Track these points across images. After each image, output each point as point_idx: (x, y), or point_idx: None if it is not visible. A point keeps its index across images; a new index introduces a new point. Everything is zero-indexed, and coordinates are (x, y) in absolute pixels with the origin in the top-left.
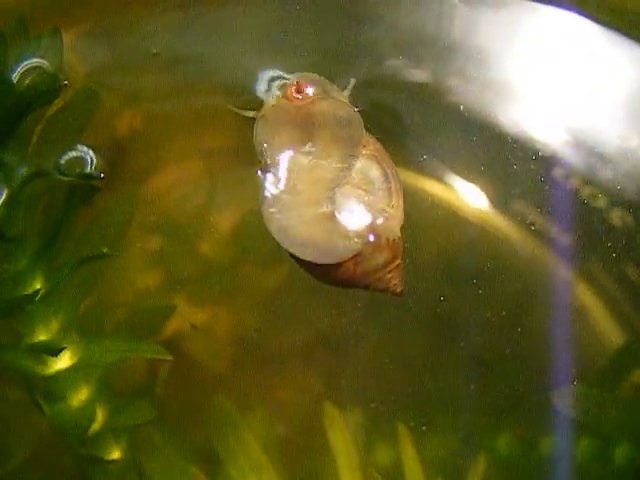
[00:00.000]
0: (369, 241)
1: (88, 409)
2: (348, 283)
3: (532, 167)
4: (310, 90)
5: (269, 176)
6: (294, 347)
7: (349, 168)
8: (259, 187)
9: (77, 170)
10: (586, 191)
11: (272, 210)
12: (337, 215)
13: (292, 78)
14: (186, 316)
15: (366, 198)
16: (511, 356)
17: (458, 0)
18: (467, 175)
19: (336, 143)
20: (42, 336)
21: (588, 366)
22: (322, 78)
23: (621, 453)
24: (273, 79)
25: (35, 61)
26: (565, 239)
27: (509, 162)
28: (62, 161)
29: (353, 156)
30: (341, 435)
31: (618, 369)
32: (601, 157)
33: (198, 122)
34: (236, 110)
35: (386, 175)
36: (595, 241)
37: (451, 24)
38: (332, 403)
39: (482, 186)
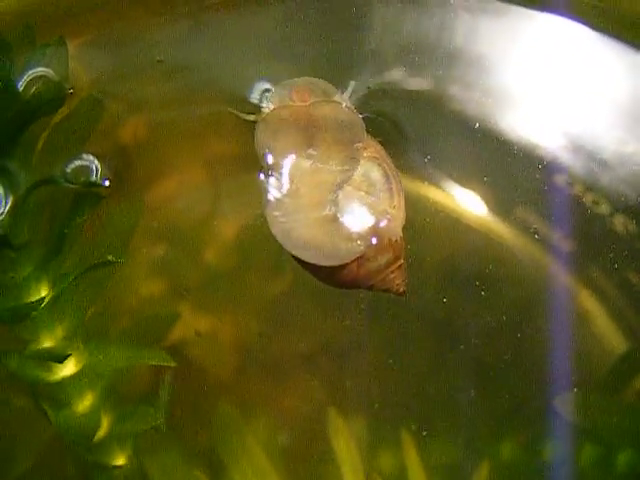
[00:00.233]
0: (372, 243)
1: (93, 415)
2: (352, 284)
3: (534, 173)
4: (311, 94)
5: (272, 180)
6: (298, 353)
7: (351, 170)
8: (262, 192)
9: (82, 178)
10: (588, 198)
11: (275, 213)
12: (340, 217)
13: (293, 82)
14: (190, 323)
15: (368, 200)
16: (512, 362)
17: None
18: (469, 182)
19: (338, 146)
20: (47, 343)
21: (590, 372)
22: (323, 81)
23: (623, 459)
24: (275, 84)
25: (40, 70)
26: (567, 245)
27: (511, 168)
28: (67, 169)
29: (355, 159)
30: (345, 441)
31: (620, 375)
32: (601, 163)
33: (202, 130)
34: (237, 113)
35: (387, 176)
36: (597, 247)
37: (452, 32)
38: (336, 409)
39: (484, 192)
